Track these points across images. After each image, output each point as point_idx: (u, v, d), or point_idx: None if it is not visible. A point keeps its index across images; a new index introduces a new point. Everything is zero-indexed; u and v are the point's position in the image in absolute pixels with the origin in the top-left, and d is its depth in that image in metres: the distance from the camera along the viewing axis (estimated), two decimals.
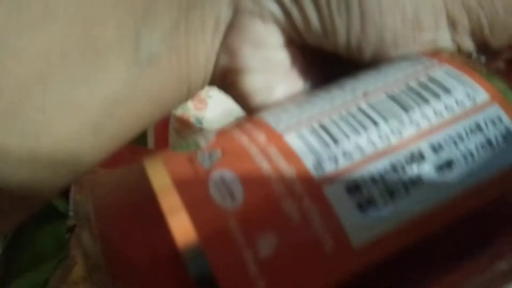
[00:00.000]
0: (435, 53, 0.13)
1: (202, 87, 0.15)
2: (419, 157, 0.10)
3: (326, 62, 0.15)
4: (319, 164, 0.10)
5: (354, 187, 0.10)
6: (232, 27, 0.13)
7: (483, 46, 0.13)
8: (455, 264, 0.10)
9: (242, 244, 0.09)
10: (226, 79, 0.14)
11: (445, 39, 0.13)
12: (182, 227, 0.09)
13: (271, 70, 0.14)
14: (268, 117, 0.12)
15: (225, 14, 0.13)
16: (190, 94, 0.14)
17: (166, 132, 0.33)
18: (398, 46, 0.13)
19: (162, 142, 0.32)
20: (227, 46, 0.14)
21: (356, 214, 0.10)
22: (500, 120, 0.11)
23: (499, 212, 0.10)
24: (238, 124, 0.12)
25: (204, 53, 0.13)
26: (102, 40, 0.11)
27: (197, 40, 0.13)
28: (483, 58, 0.14)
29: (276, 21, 0.13)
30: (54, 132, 0.11)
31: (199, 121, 0.34)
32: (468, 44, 0.13)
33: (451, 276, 0.10)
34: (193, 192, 0.10)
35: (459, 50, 0.13)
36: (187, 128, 0.33)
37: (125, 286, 0.09)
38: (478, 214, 0.10)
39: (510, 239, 0.10)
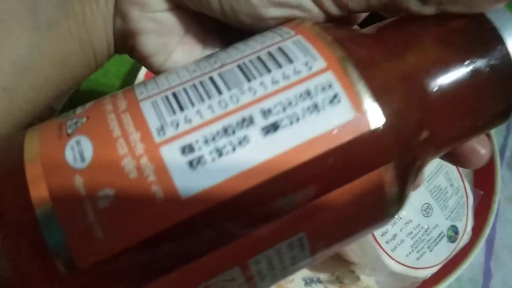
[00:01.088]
0: (297, 24, 0.13)
1: (109, 53, 0.16)
2: (249, 121, 0.11)
3: (226, 31, 0.16)
4: (162, 128, 0.11)
5: (187, 148, 0.11)
6: None
7: (343, 9, 0.14)
8: (274, 215, 0.11)
9: (84, 197, 0.11)
10: (127, 43, 0.16)
11: (309, 2, 0.14)
12: (38, 189, 0.11)
13: (165, 33, 0.15)
14: (137, 87, 0.13)
15: None
16: (98, 59, 0.16)
17: None
18: (267, 7, 0.14)
19: None
20: (119, 10, 0.15)
21: (186, 171, 0.11)
22: (330, 86, 0.12)
23: (315, 170, 0.11)
24: (115, 93, 0.13)
25: (101, 18, 0.15)
26: (3, 8, 0.13)
27: (91, 5, 0.14)
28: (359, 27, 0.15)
29: None
30: None
31: None
32: (331, 8, 0.14)
33: (266, 228, 0.11)
34: (52, 155, 0.11)
35: (326, 14, 0.14)
36: None
37: None
38: (299, 172, 0.11)
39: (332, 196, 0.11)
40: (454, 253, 0.34)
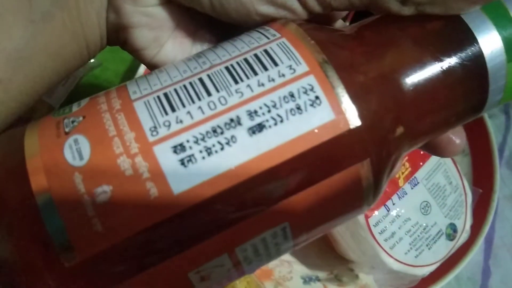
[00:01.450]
0: (282, 26, 0.14)
1: (102, 45, 0.17)
2: (236, 122, 0.12)
3: (216, 25, 0.17)
4: (155, 128, 0.12)
5: (179, 147, 0.12)
6: None
7: (326, 7, 0.14)
8: (259, 208, 0.12)
9: (83, 193, 0.12)
10: (119, 36, 0.16)
11: (293, 1, 0.14)
12: (38, 180, 0.12)
13: (157, 27, 0.16)
14: (130, 85, 0.14)
15: None
16: (90, 51, 0.16)
17: None
18: (255, 4, 0.14)
19: None
20: (112, 4, 0.15)
21: (178, 168, 0.12)
22: (312, 89, 0.12)
23: (298, 166, 0.12)
24: (109, 91, 0.14)
25: (94, 11, 0.15)
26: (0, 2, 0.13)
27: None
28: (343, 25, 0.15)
29: None
30: None
31: None
32: (314, 6, 0.14)
33: (250, 220, 0.12)
34: (52, 153, 0.12)
35: (309, 12, 0.14)
36: None
37: None
38: (283, 168, 0.12)
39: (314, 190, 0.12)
40: (452, 251, 0.34)
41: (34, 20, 0.14)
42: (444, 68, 0.13)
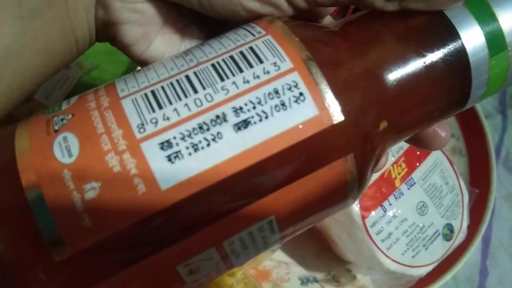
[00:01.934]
0: (268, 23, 0.14)
1: (91, 41, 0.17)
2: (222, 118, 0.12)
3: (204, 21, 0.17)
4: (142, 126, 0.12)
5: (166, 144, 0.12)
6: None
7: (311, 3, 0.14)
8: (245, 202, 0.12)
9: (72, 189, 0.12)
10: (108, 32, 0.16)
11: None
12: (29, 177, 0.12)
13: (146, 23, 0.16)
14: (118, 83, 0.14)
15: None
16: (79, 48, 0.16)
17: None
18: (241, 1, 0.14)
19: None
20: (100, 0, 0.15)
21: (165, 164, 0.12)
22: (296, 86, 0.13)
23: (283, 161, 0.12)
24: (98, 89, 0.14)
25: (83, 8, 0.15)
26: None
27: None
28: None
29: None
30: None
31: None
32: (299, 2, 0.14)
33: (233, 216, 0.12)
34: (41, 150, 0.12)
35: (294, 8, 0.15)
36: None
37: None
38: (268, 163, 0.12)
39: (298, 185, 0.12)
40: (449, 251, 0.34)
41: (23, 17, 0.14)
42: (427, 63, 0.13)
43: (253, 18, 0.15)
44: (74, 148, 0.12)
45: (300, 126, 0.12)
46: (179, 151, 0.12)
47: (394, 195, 0.35)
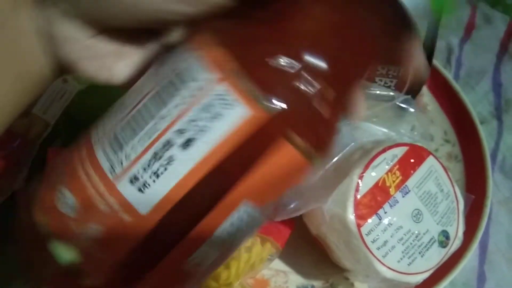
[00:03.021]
0: (199, 40, 0.15)
1: (54, 75, 0.17)
2: (169, 144, 0.14)
3: (159, 32, 0.18)
4: (112, 168, 0.14)
5: (133, 178, 0.14)
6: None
7: None
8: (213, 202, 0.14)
9: (78, 233, 0.14)
10: (69, 69, 0.17)
11: None
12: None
13: (101, 56, 0.17)
14: (92, 130, 0.16)
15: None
16: (41, 85, 0.17)
17: None
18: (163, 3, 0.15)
19: None
20: (50, 46, 0.16)
21: (138, 195, 0.14)
22: (227, 93, 0.14)
23: (235, 160, 0.14)
24: (79, 140, 0.16)
25: (40, 50, 0.16)
26: None
27: (26, 36, 0.16)
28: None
29: (73, 14, 0.15)
30: None
31: None
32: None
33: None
34: (47, 203, 0.15)
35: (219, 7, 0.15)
36: None
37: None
38: (221, 166, 0.14)
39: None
40: (445, 258, 0.35)
41: None
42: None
43: (182, 20, 0.15)
44: (71, 203, 0.15)
45: (240, 128, 0.14)
46: (145, 181, 0.14)
47: (389, 203, 0.36)
